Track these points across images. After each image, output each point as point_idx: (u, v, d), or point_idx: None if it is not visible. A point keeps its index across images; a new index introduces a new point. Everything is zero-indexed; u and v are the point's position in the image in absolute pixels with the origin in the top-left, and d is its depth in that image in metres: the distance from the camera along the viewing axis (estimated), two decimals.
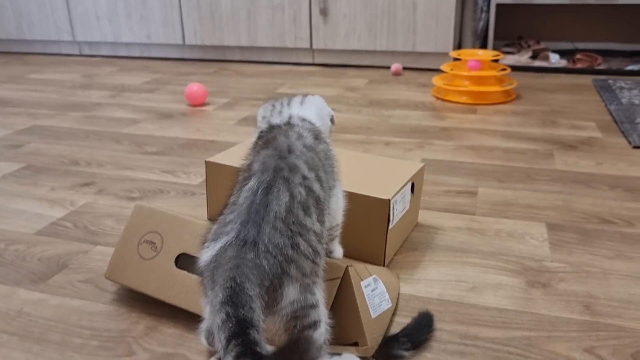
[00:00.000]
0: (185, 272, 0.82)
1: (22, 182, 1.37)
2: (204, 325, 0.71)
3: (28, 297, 0.91)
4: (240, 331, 0.54)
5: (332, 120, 0.84)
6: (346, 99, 2.08)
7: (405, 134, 1.67)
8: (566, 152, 1.49)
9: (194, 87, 2.02)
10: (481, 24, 2.62)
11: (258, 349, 0.53)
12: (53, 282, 0.94)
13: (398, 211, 0.95)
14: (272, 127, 0.74)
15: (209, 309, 0.60)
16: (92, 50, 3.07)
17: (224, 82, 2.38)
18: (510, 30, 2.86)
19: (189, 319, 0.82)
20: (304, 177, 0.66)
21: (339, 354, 0.71)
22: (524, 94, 2.10)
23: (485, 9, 2.58)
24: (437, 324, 0.82)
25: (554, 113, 1.85)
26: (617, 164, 1.40)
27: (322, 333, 0.64)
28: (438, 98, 2.07)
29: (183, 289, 0.81)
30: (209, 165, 1.04)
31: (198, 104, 2.03)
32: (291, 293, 0.61)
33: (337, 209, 0.77)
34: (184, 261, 0.84)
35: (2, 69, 2.79)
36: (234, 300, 0.56)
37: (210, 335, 0.72)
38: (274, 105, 0.79)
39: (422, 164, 1.06)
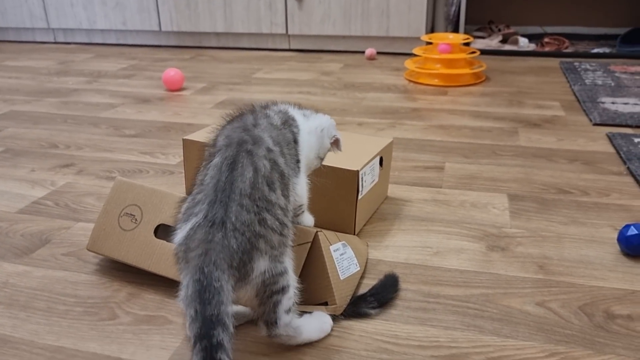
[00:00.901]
0: (164, 242, 0.86)
1: (1, 165, 1.39)
2: (182, 293, 0.76)
3: (13, 269, 0.94)
4: (205, 333, 0.58)
5: (335, 143, 0.84)
6: (321, 82, 2.13)
7: (378, 115, 1.73)
8: (530, 130, 1.56)
9: (171, 72, 2.04)
10: (453, 8, 2.68)
11: (219, 355, 0.57)
12: (37, 256, 0.98)
13: (367, 182, 1.00)
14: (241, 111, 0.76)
15: (184, 283, 0.63)
16: (67, 37, 3.06)
17: (200, 68, 2.41)
18: (482, 15, 2.92)
19: (169, 285, 0.86)
20: (269, 150, 0.68)
21: (310, 313, 0.77)
22: (493, 76, 2.17)
23: None
24: (403, 285, 0.88)
25: (521, 94, 1.92)
26: (577, 140, 1.48)
27: (290, 297, 0.69)
28: (411, 81, 2.12)
29: (162, 258, 0.86)
30: (186, 143, 1.08)
31: (175, 89, 2.06)
32: (261, 265, 0.65)
33: (300, 194, 0.78)
34: (163, 231, 0.88)
35: None
36: (202, 296, 0.59)
37: None
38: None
39: (391, 139, 1.11)
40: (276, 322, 0.68)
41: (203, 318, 0.59)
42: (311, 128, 0.80)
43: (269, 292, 0.67)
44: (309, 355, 0.73)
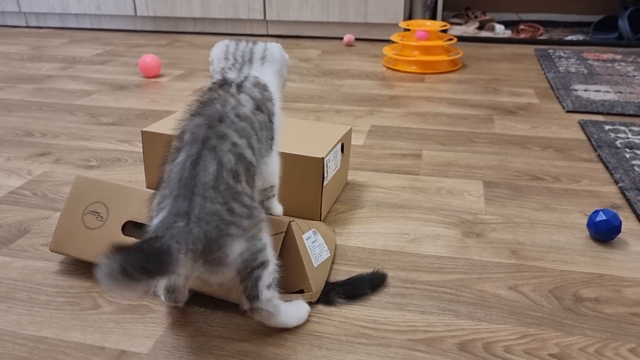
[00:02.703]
0: (133, 239, 0.85)
1: None
2: (161, 284, 0.77)
3: None
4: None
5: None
6: (300, 69, 2.13)
7: (356, 102, 1.74)
8: (505, 117, 1.59)
9: (148, 59, 2.02)
10: None
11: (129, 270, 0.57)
12: (16, 246, 0.98)
13: (331, 169, 1.02)
14: (219, 85, 0.76)
15: None
16: (39, 21, 2.99)
17: (177, 54, 2.39)
18: (459, 2, 2.94)
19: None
20: (234, 144, 0.69)
21: (290, 302, 0.78)
22: (469, 63, 2.20)
23: None
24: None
25: (496, 81, 1.95)
26: (550, 127, 1.51)
27: (270, 272, 0.71)
28: (388, 68, 2.14)
29: None
30: (146, 135, 1.07)
31: (152, 75, 2.04)
32: (236, 248, 0.66)
33: (272, 173, 0.80)
34: (131, 228, 0.87)
35: None
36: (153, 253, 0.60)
37: (167, 293, 0.78)
38: (235, 58, 0.81)
39: (349, 127, 1.12)
40: (258, 296, 0.70)
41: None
42: (275, 78, 0.83)
43: (250, 268, 0.69)
44: (290, 341, 0.75)
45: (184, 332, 0.77)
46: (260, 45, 0.83)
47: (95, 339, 0.76)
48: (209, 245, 0.64)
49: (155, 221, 0.65)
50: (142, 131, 1.07)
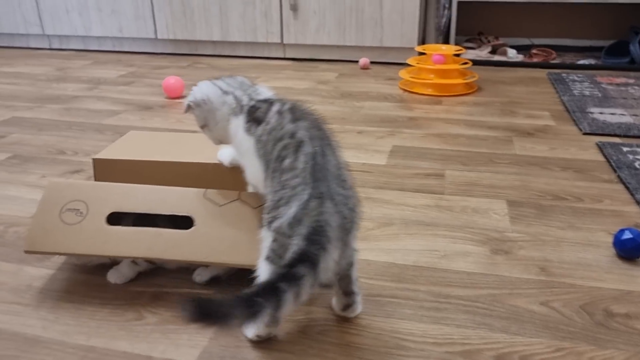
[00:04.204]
0: (120, 227, 0.89)
1: (11, 171, 1.41)
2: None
3: (35, 273, 0.97)
4: (292, 263, 0.66)
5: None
6: (319, 91, 2.18)
7: (376, 123, 1.78)
8: (524, 139, 1.63)
9: (172, 80, 2.08)
10: (444, 20, 2.75)
11: (283, 285, 0.65)
12: (57, 260, 1.01)
13: None
14: (268, 102, 0.84)
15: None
16: (62, 44, 3.07)
17: (198, 75, 2.44)
18: (471, 27, 3.00)
19: (190, 288, 0.91)
20: (336, 144, 0.79)
21: None
22: (484, 86, 2.24)
23: (447, 5, 2.72)
24: (414, 286, 0.93)
25: (512, 104, 1.99)
26: (568, 149, 1.54)
27: (355, 270, 0.81)
28: (405, 90, 2.18)
29: (121, 241, 0.88)
30: (98, 163, 1.03)
31: (176, 96, 2.09)
32: (352, 239, 0.75)
33: None
34: (117, 219, 0.91)
35: None
36: (311, 237, 0.67)
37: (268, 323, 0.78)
38: (239, 87, 0.88)
39: None
40: (355, 292, 0.82)
41: (301, 252, 0.67)
42: None
43: (348, 265, 0.78)
44: (332, 352, 0.77)
45: (227, 342, 0.80)
46: (240, 77, 0.92)
47: (142, 349, 0.79)
48: (347, 224, 0.71)
49: (293, 207, 0.70)
50: (93, 159, 1.03)
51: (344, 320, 0.84)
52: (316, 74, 2.48)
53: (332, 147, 0.77)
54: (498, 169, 1.41)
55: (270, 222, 0.73)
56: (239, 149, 0.87)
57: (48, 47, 3.09)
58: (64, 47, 3.07)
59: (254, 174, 0.83)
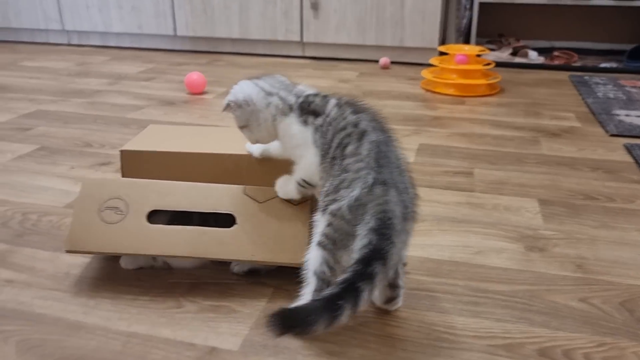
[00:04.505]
0: (161, 226, 0.89)
1: (41, 162, 1.42)
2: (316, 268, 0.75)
3: (72, 261, 0.97)
4: (367, 260, 0.66)
5: None
6: (340, 89, 2.18)
7: (401, 121, 1.78)
8: (550, 139, 1.62)
9: (194, 76, 2.08)
10: (464, 21, 2.75)
11: (363, 284, 0.65)
12: None
13: None
14: (321, 96, 0.84)
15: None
16: (82, 39, 3.09)
17: (219, 73, 2.45)
18: (492, 28, 3.00)
19: (226, 278, 0.91)
20: (395, 137, 0.80)
21: None
22: (507, 87, 2.24)
23: (468, 6, 2.71)
24: (451, 281, 0.92)
25: (536, 105, 1.99)
26: (596, 150, 1.54)
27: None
28: (427, 90, 2.18)
29: (165, 240, 0.88)
30: (125, 155, 1.00)
31: (197, 92, 2.10)
32: (411, 231, 0.75)
33: None
34: (157, 217, 0.91)
35: None
36: (381, 230, 0.68)
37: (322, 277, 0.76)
38: (281, 86, 0.86)
39: None
40: (400, 285, 0.82)
41: (374, 249, 0.67)
42: None
43: (401, 258, 0.78)
44: (374, 344, 0.77)
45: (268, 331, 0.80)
46: (279, 76, 0.89)
47: (184, 336, 0.79)
48: (408, 215, 0.72)
49: (357, 190, 0.71)
50: (121, 151, 1.00)
51: (384, 312, 0.84)
52: (336, 72, 2.49)
53: (393, 139, 0.78)
54: (527, 169, 1.40)
55: (326, 206, 0.74)
56: (290, 143, 0.85)
57: (67, 42, 3.11)
58: (83, 42, 3.09)
59: (309, 164, 0.82)
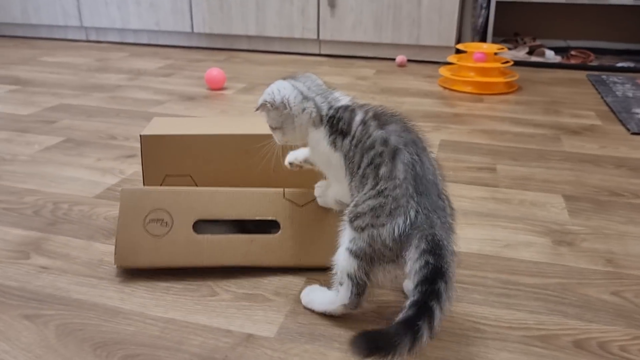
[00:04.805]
0: (209, 236, 0.89)
1: (68, 154, 1.44)
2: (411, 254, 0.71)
3: (105, 249, 0.99)
4: (431, 279, 0.66)
5: None
6: (359, 86, 2.19)
7: (421, 118, 1.78)
8: (572, 137, 1.62)
9: (214, 72, 2.10)
10: (480, 20, 2.75)
11: (433, 302, 0.65)
12: None
13: None
14: (346, 108, 0.79)
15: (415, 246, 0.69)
16: (99, 36, 3.11)
17: (236, 69, 2.46)
18: (507, 27, 2.99)
19: (258, 269, 0.92)
20: (427, 145, 0.77)
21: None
22: (524, 86, 2.24)
23: (484, 5, 2.71)
24: (481, 273, 0.93)
25: (555, 103, 1.98)
26: (619, 148, 1.53)
27: None
28: (445, 88, 2.18)
29: (214, 250, 0.89)
30: (145, 139, 1.00)
31: (217, 87, 2.11)
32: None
33: None
34: (201, 227, 0.91)
35: (12, 51, 2.82)
36: (435, 251, 0.67)
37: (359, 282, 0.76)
38: (319, 93, 0.82)
39: None
40: None
41: (434, 267, 0.66)
42: None
43: None
44: None
45: (304, 320, 0.80)
46: (314, 77, 0.85)
47: (220, 323, 0.80)
48: (449, 230, 0.72)
49: (401, 220, 0.69)
50: (141, 135, 1.00)
51: None
52: (353, 70, 2.49)
53: (426, 150, 0.75)
54: (550, 165, 1.40)
55: (355, 218, 0.73)
56: (320, 159, 0.83)
57: (85, 39, 3.13)
58: (100, 39, 3.11)
59: (342, 191, 0.81)
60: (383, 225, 0.70)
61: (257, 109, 0.84)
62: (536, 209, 1.16)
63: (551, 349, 0.75)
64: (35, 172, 1.32)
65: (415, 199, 0.70)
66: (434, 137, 1.59)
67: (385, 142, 0.73)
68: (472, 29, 2.80)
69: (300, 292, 0.85)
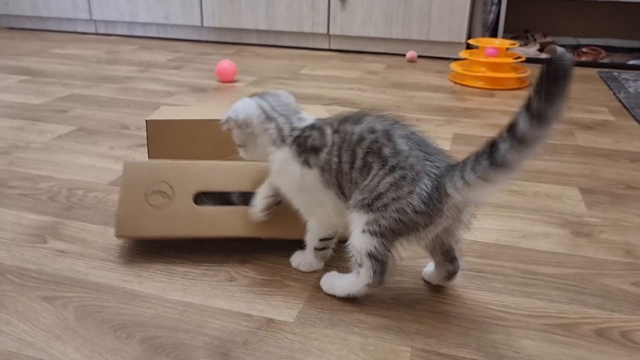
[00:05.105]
0: (210, 207, 0.89)
1: (80, 142, 1.43)
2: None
3: None
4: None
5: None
6: (369, 80, 2.18)
7: (432, 112, 1.78)
8: (585, 132, 1.61)
9: (225, 64, 2.09)
10: (491, 16, 2.73)
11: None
12: None
13: None
14: (313, 128, 0.81)
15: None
16: (108, 29, 3.11)
17: (246, 63, 2.46)
18: (517, 24, 2.98)
19: (278, 253, 0.91)
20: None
21: None
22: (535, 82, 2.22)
23: (495, 1, 2.70)
24: (499, 262, 0.92)
25: (567, 99, 1.97)
26: (633, 142, 1.53)
27: None
28: (456, 83, 2.18)
29: (215, 222, 0.89)
30: (151, 124, 1.04)
31: (228, 80, 2.11)
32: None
33: None
34: (204, 199, 0.91)
35: (22, 43, 2.82)
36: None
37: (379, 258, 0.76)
38: (282, 114, 0.83)
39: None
40: (459, 257, 0.82)
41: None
42: None
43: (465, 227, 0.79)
44: (428, 319, 0.78)
45: (323, 305, 0.80)
46: (284, 95, 0.86)
47: (240, 307, 0.79)
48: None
49: (427, 186, 0.71)
50: (147, 120, 1.04)
51: (435, 290, 0.84)
52: (363, 64, 2.49)
53: (410, 127, 0.78)
54: (564, 158, 1.39)
55: (372, 202, 0.73)
56: (289, 184, 0.82)
57: (94, 32, 3.13)
58: (109, 32, 3.11)
59: (325, 219, 0.82)
60: (410, 192, 0.71)
61: (222, 124, 0.84)
62: (552, 201, 1.16)
63: (573, 337, 0.75)
64: (49, 159, 1.31)
65: (430, 159, 0.73)
66: (446, 131, 1.59)
67: (372, 130, 0.76)
68: (482, 25, 2.79)
69: (318, 278, 0.85)
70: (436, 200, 0.71)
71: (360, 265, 0.77)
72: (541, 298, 0.83)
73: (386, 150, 0.74)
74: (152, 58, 2.52)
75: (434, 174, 0.72)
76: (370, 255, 0.75)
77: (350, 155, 0.76)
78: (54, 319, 0.76)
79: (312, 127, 0.81)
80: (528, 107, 0.63)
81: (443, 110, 1.80)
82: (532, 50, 2.67)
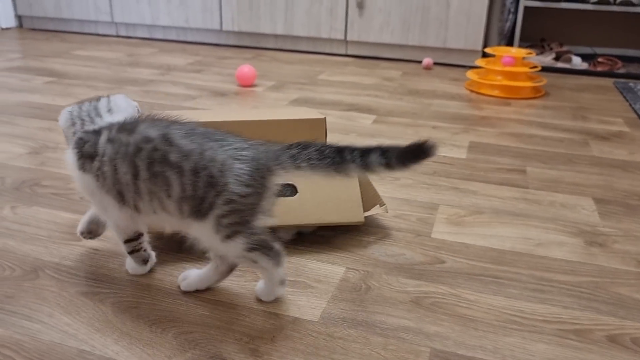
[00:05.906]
0: None
1: None
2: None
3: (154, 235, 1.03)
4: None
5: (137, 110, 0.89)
6: (385, 87, 2.22)
7: (449, 120, 1.81)
8: (600, 142, 1.64)
9: (245, 69, 2.14)
10: (508, 24, 2.76)
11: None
12: None
13: None
14: (95, 131, 0.80)
15: None
16: (129, 31, 3.18)
17: (265, 67, 2.51)
18: (533, 33, 3.00)
19: (301, 255, 0.95)
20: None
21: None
22: (551, 91, 2.25)
23: (512, 10, 2.73)
24: (515, 269, 0.96)
25: (583, 109, 2.00)
26: None
27: None
28: (472, 91, 2.21)
29: None
30: None
31: (248, 84, 2.15)
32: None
33: None
34: None
35: (45, 44, 2.89)
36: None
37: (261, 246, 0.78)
38: (82, 119, 0.82)
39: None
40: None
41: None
42: None
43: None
44: (446, 322, 0.81)
45: (345, 306, 0.84)
46: (103, 100, 0.85)
47: (266, 306, 0.83)
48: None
49: (245, 166, 0.74)
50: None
51: (453, 295, 0.88)
52: (380, 71, 2.52)
53: (186, 123, 0.77)
54: (579, 169, 1.42)
55: (199, 209, 0.75)
56: (81, 186, 0.82)
57: (115, 34, 3.20)
58: (130, 34, 3.18)
59: (116, 219, 0.82)
60: (226, 184, 0.73)
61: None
62: (567, 210, 1.19)
63: (586, 342, 0.78)
64: None
65: (225, 144, 0.74)
66: (463, 139, 1.62)
67: (147, 139, 0.75)
68: (498, 33, 2.82)
69: (340, 280, 0.89)
70: (260, 177, 0.74)
71: (255, 262, 0.78)
72: (555, 304, 0.86)
73: (173, 156, 0.73)
74: (172, 61, 2.57)
75: (246, 156, 0.73)
76: (251, 250, 0.77)
77: (129, 166, 0.76)
78: (93, 313, 0.80)
79: (95, 131, 0.80)
80: (386, 153, 0.73)
81: (459, 119, 1.83)
82: (547, 59, 2.69)
